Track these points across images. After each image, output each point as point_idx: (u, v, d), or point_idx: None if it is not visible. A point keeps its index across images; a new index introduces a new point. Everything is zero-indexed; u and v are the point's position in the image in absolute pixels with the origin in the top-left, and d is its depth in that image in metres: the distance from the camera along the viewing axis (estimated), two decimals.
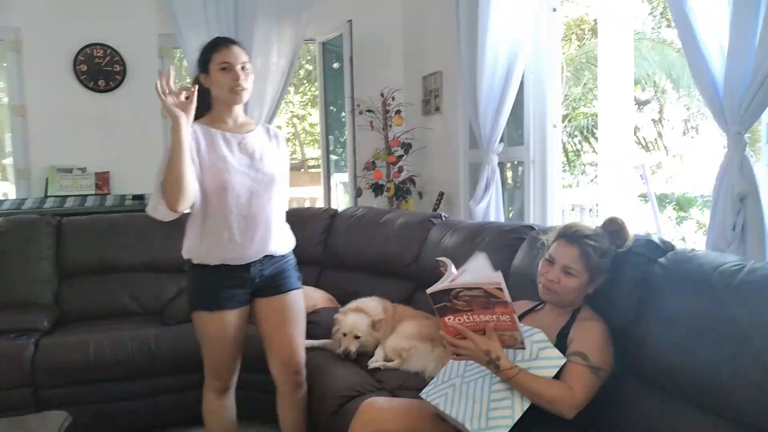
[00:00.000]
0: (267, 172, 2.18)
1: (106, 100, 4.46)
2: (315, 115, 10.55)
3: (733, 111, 1.89)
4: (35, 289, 3.28)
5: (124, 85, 4.48)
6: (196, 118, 2.10)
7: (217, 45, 2.15)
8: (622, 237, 1.77)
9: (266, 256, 2.19)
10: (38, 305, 3.23)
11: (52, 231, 3.45)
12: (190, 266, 2.20)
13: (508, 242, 2.49)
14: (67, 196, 4.27)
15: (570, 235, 1.75)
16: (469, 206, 3.42)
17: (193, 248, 2.16)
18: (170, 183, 2.00)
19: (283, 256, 2.27)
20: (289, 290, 2.26)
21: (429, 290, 1.60)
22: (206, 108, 2.19)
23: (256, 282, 2.19)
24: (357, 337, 2.58)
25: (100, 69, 4.42)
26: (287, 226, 2.33)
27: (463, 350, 1.62)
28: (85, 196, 4.30)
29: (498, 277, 1.54)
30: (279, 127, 2.25)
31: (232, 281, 2.15)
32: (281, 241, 2.25)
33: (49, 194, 4.28)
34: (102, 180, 4.41)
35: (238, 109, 2.22)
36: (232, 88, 2.12)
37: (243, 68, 2.13)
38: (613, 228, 1.78)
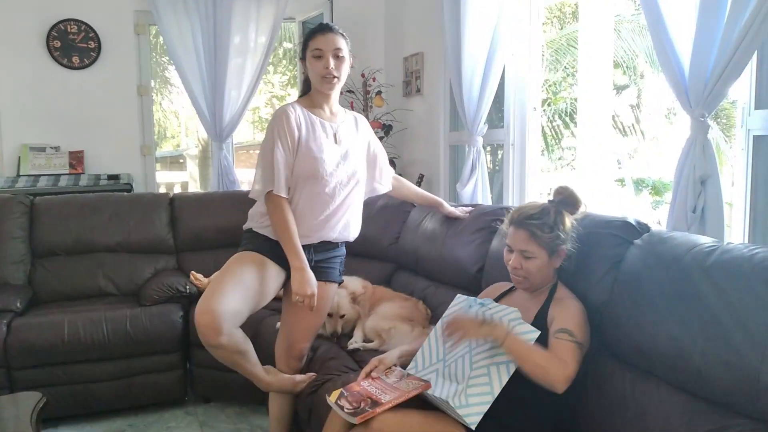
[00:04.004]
0: (353, 166, 2.23)
1: (81, 78, 4.35)
2: (295, 96, 10.40)
3: (697, 94, 1.90)
4: (8, 270, 3.23)
5: (98, 62, 4.38)
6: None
7: (314, 32, 2.15)
8: (572, 203, 1.80)
9: (324, 241, 2.22)
10: (11, 285, 3.18)
11: (25, 210, 3.39)
12: (249, 233, 2.23)
13: (485, 225, 2.50)
14: (40, 175, 4.19)
15: (516, 220, 1.79)
16: (456, 189, 3.42)
17: (263, 222, 2.18)
18: (274, 224, 2.14)
19: (338, 244, 2.30)
20: (328, 281, 2.27)
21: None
22: (307, 91, 2.25)
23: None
24: (342, 316, 2.60)
25: (74, 45, 4.31)
26: (360, 218, 2.34)
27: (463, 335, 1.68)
28: (59, 175, 4.22)
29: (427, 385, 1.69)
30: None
31: (282, 252, 2.14)
32: (346, 232, 2.27)
33: (21, 173, 4.18)
34: (76, 159, 4.32)
35: (334, 98, 2.25)
36: (323, 76, 2.13)
37: (337, 55, 2.13)
38: (563, 196, 1.81)
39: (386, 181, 2.48)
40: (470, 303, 1.80)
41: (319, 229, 2.19)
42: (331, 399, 1.74)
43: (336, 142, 2.21)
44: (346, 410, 1.67)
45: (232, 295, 2.02)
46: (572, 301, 1.75)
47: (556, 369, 1.57)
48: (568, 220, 1.78)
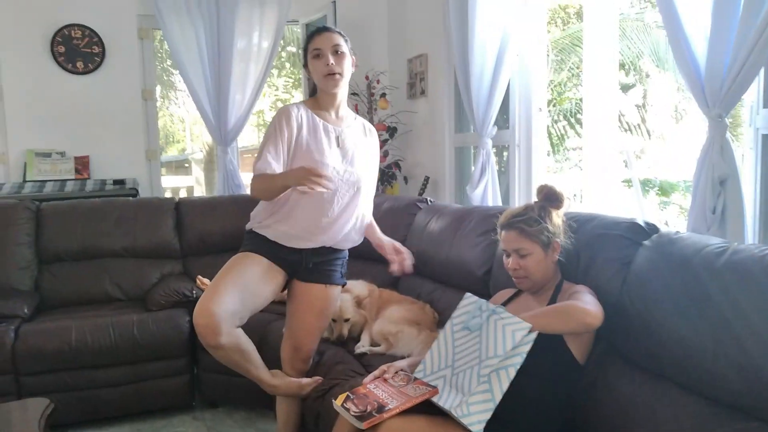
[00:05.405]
0: (355, 173, 2.18)
1: (85, 83, 4.37)
2: (299, 98, 10.42)
3: (714, 94, 1.88)
4: (14, 275, 3.24)
5: (103, 67, 4.39)
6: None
7: (311, 35, 2.16)
8: (554, 198, 1.83)
9: (324, 246, 2.20)
10: (18, 291, 3.19)
11: (31, 216, 3.40)
12: (250, 233, 2.22)
13: (492, 226, 2.48)
14: (46, 180, 4.20)
15: (504, 223, 1.86)
16: (466, 191, 3.40)
17: (262, 222, 2.18)
18: (262, 194, 2.10)
19: (340, 250, 2.27)
20: (330, 284, 2.26)
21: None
22: (313, 93, 2.24)
23: (301, 267, 2.20)
24: (346, 320, 2.59)
25: (78, 50, 4.33)
26: (363, 225, 2.30)
27: None
28: (65, 180, 4.23)
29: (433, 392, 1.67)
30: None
31: (281, 254, 2.15)
32: (348, 240, 2.25)
33: (27, 179, 4.20)
34: (82, 164, 4.34)
35: (341, 98, 2.22)
36: (325, 74, 2.12)
37: (336, 51, 2.12)
38: (544, 194, 1.85)
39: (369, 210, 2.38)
40: (480, 305, 1.76)
41: (319, 234, 2.17)
42: (337, 402, 1.73)
43: (339, 147, 2.18)
44: (352, 413, 1.65)
45: (230, 295, 2.01)
46: (580, 286, 1.77)
47: (588, 309, 1.61)
48: (555, 214, 1.83)
